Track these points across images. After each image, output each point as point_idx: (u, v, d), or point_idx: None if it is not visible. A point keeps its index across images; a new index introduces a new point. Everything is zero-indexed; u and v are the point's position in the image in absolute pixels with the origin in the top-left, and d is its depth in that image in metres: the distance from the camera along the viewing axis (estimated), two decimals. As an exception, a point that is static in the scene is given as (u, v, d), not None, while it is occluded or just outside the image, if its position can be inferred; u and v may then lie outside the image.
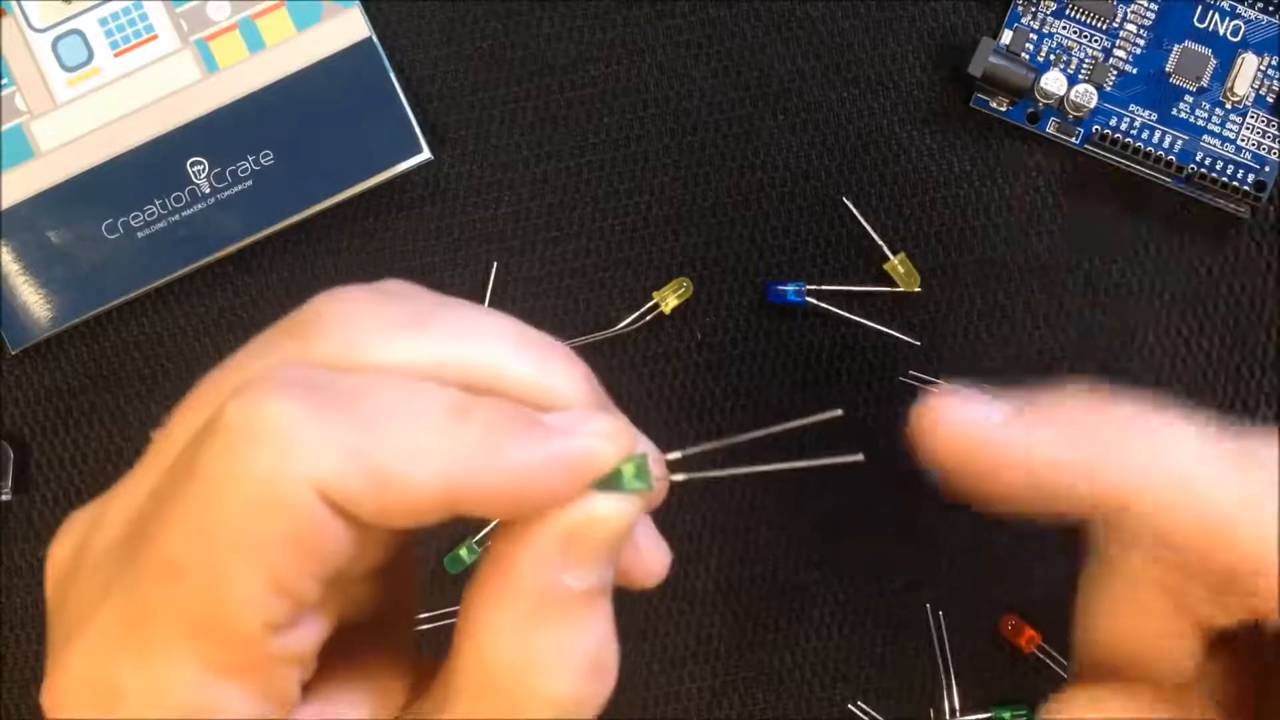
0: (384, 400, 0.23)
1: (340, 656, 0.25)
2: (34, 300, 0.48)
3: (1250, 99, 0.48)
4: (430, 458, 0.22)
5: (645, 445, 0.25)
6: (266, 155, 0.48)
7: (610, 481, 0.24)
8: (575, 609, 0.24)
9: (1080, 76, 0.48)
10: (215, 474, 0.22)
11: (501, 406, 0.23)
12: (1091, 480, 0.25)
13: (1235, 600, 0.25)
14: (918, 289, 0.48)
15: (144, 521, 0.23)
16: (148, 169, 0.48)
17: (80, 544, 0.24)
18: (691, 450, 0.26)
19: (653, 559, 0.27)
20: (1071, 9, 0.48)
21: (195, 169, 0.48)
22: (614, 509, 0.24)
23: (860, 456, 0.26)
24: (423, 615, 0.48)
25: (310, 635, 0.23)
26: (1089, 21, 0.48)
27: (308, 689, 0.24)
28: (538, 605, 0.24)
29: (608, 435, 0.24)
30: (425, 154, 0.48)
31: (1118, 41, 0.48)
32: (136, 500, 0.24)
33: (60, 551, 0.25)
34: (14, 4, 0.48)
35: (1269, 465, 0.25)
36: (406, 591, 0.28)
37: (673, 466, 0.26)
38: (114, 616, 0.22)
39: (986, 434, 0.25)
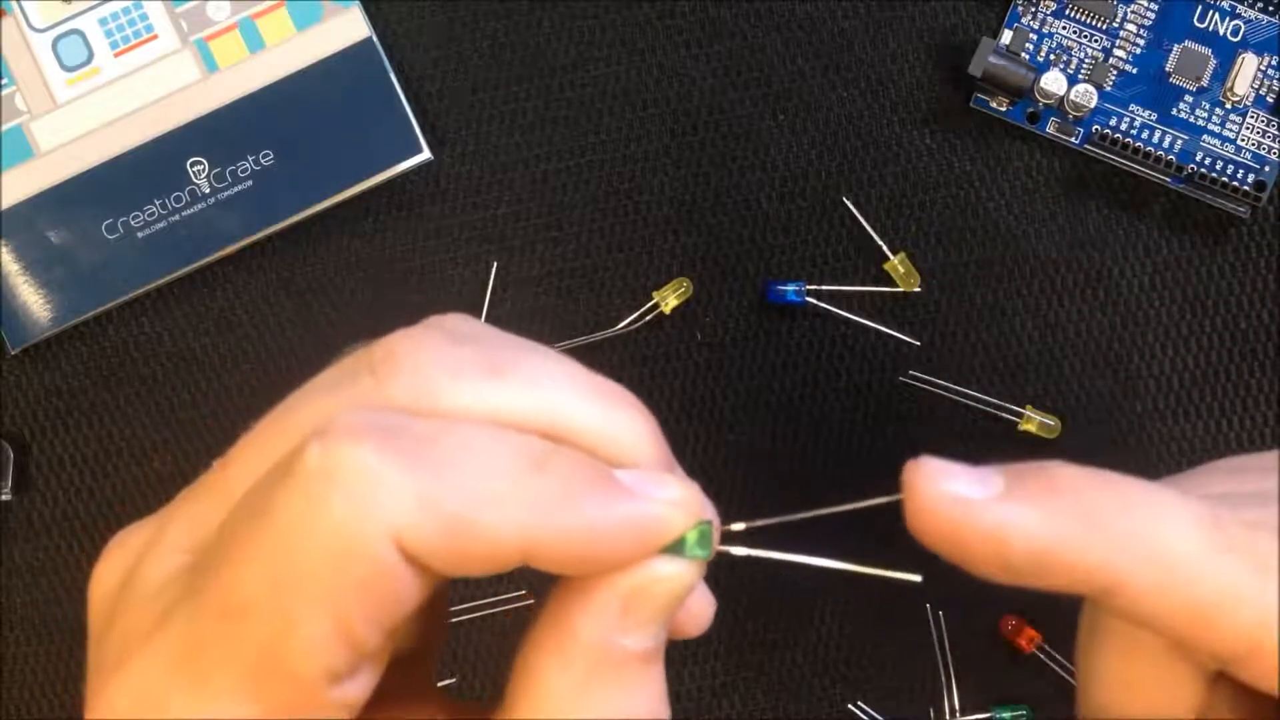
0: (462, 446, 0.22)
1: (376, 696, 0.25)
2: (34, 300, 0.48)
3: (1250, 99, 0.48)
4: (510, 507, 0.22)
5: (708, 510, 0.25)
6: (266, 155, 0.48)
7: (672, 545, 0.24)
8: (631, 671, 0.24)
9: (1080, 76, 0.48)
10: (291, 517, 0.21)
11: (580, 459, 0.23)
12: (1077, 564, 0.24)
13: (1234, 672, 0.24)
14: (918, 289, 0.48)
15: (210, 556, 0.23)
16: (148, 169, 0.48)
17: (131, 568, 0.24)
18: (755, 523, 0.27)
19: (700, 610, 0.27)
20: (1071, 9, 0.48)
21: (195, 169, 0.48)
22: (676, 573, 0.24)
23: (919, 578, 0.26)
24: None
25: (365, 683, 0.23)
26: (1089, 21, 0.48)
27: None
28: (594, 666, 0.24)
29: (681, 504, 0.24)
30: (425, 154, 0.48)
31: (1118, 41, 0.48)
32: (199, 530, 0.24)
33: (108, 573, 0.25)
34: (14, 4, 0.48)
35: (1260, 544, 0.24)
36: (438, 626, 0.28)
37: (733, 537, 0.26)
38: (170, 646, 0.22)
39: (970, 514, 0.24)
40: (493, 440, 0.23)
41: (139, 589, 0.24)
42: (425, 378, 0.23)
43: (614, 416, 0.24)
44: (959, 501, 0.24)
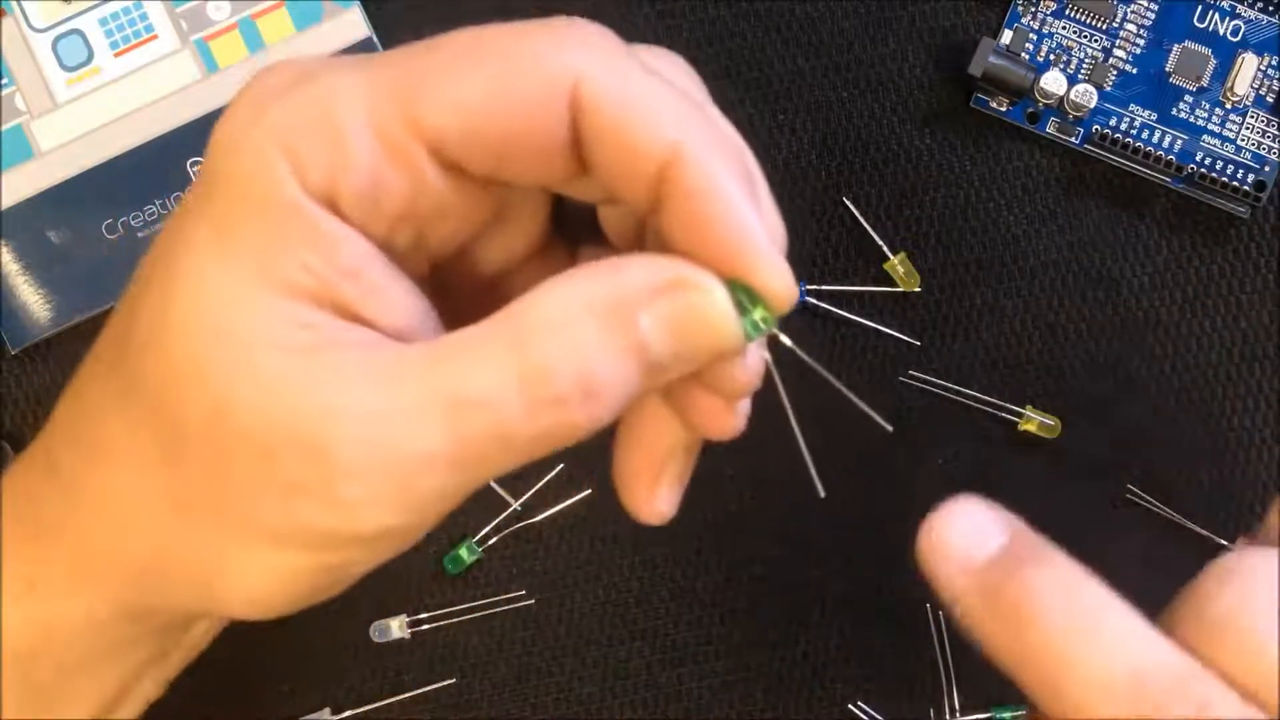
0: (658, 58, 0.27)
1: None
2: (34, 300, 0.48)
3: (1250, 99, 0.48)
4: (677, 104, 0.25)
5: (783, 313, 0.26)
6: (266, 155, 0.48)
7: (739, 300, 0.24)
8: (620, 341, 0.24)
9: (1080, 76, 0.48)
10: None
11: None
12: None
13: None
14: (918, 289, 0.48)
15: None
16: (148, 169, 0.48)
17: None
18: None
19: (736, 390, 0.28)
20: (1071, 9, 0.48)
21: (195, 169, 0.48)
22: (727, 315, 0.25)
23: (890, 428, 0.28)
24: (422, 616, 0.48)
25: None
26: (1089, 21, 0.48)
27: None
28: (598, 309, 0.24)
29: (785, 273, 0.25)
30: (425, 154, 0.48)
31: (1118, 41, 0.48)
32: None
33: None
34: (14, 4, 0.48)
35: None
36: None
37: None
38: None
39: (971, 576, 0.26)
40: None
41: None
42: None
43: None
44: (952, 556, 0.26)
